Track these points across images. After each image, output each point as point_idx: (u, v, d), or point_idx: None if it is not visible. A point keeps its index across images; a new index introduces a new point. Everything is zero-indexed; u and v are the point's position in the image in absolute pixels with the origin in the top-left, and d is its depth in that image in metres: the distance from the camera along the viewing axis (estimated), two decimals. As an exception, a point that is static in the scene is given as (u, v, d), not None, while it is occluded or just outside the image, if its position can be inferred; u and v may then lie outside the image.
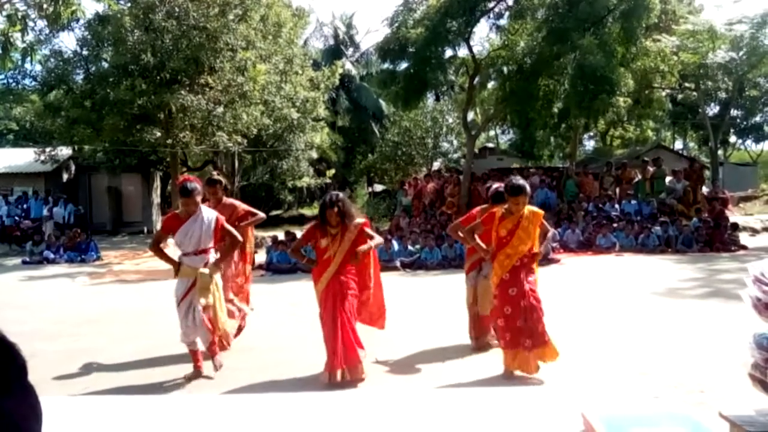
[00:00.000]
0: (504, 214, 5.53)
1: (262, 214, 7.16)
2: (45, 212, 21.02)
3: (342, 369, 5.28)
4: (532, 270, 5.55)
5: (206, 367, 5.74)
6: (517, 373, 5.44)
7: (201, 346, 5.74)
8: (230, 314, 6.56)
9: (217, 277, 5.78)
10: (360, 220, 5.72)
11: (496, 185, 6.51)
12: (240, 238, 6.05)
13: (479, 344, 6.44)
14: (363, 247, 5.58)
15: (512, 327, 5.38)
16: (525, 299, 5.36)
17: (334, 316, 5.38)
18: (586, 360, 5.93)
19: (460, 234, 6.29)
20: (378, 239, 5.90)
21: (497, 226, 5.52)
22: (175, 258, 5.73)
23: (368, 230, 5.73)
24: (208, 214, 5.74)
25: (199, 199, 5.68)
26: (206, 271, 5.59)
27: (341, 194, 5.69)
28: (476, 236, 5.84)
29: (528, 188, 5.52)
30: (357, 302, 5.69)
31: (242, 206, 7.01)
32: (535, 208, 5.65)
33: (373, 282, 5.94)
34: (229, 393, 5.13)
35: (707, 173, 26.32)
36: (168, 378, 5.71)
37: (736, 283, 9.67)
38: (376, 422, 2.68)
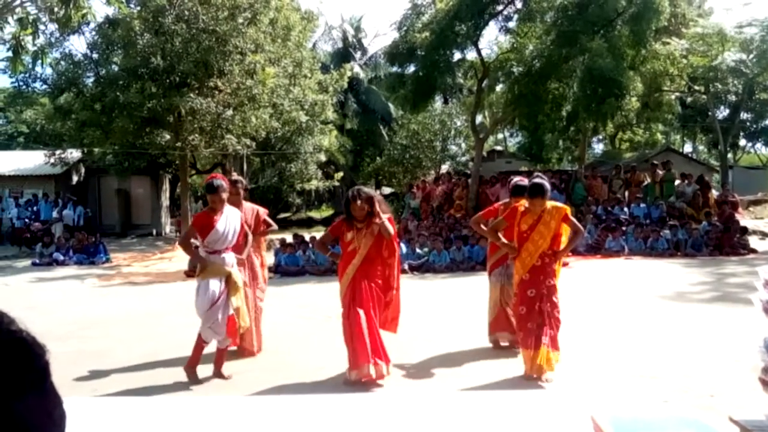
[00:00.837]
0: (526, 208, 5.53)
1: (274, 225, 7.24)
2: (54, 214, 21.15)
3: (371, 364, 5.18)
4: (553, 272, 5.50)
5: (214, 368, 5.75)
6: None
7: (218, 345, 5.76)
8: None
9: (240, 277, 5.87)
10: (386, 215, 5.70)
11: (517, 179, 6.55)
12: (251, 237, 6.18)
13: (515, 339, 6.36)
14: (385, 224, 5.48)
15: (524, 327, 5.39)
16: (542, 303, 5.35)
17: (366, 316, 5.30)
18: (596, 363, 5.91)
19: (482, 227, 6.28)
20: (392, 230, 5.69)
21: (519, 221, 5.51)
22: (183, 267, 5.80)
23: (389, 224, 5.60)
24: (234, 212, 5.87)
25: (225, 196, 5.76)
26: (236, 271, 5.73)
27: (363, 188, 5.71)
28: (500, 234, 5.83)
29: (547, 187, 5.50)
30: (381, 302, 5.59)
31: (262, 211, 7.03)
32: (559, 204, 5.64)
33: (396, 284, 5.86)
34: (238, 395, 5.13)
35: (716, 177, 26.23)
36: (177, 380, 5.72)
37: (746, 287, 9.60)
38: (386, 425, 2.69)
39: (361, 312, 5.30)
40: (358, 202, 5.41)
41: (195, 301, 5.64)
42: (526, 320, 5.38)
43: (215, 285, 5.58)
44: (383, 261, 5.65)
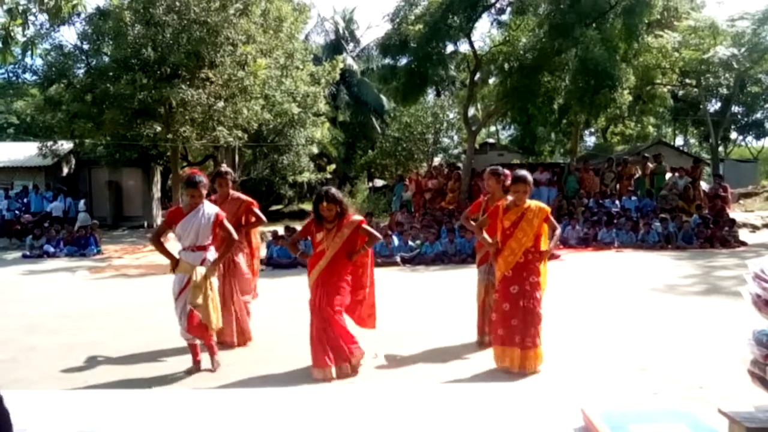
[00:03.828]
0: (508, 205, 5.55)
1: (264, 219, 7.15)
2: (81, 206, 21.62)
3: (333, 367, 5.29)
4: (537, 270, 5.50)
5: (206, 359, 5.75)
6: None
7: (199, 341, 5.74)
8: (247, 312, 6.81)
9: (213, 279, 5.73)
10: (358, 217, 5.72)
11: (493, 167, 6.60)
12: (236, 236, 5.96)
13: (487, 341, 6.37)
14: (359, 251, 5.63)
15: (507, 324, 5.40)
16: (525, 299, 5.37)
17: (320, 312, 5.36)
18: (586, 356, 5.94)
19: (471, 222, 6.29)
20: (376, 236, 5.84)
21: (501, 218, 5.53)
22: (175, 253, 5.73)
23: (366, 227, 5.68)
24: (209, 209, 5.72)
25: (204, 191, 5.70)
26: (202, 269, 5.56)
27: (332, 188, 5.69)
28: (483, 231, 5.85)
29: (530, 179, 5.58)
30: (350, 299, 5.63)
31: (248, 200, 6.97)
32: (542, 204, 5.66)
33: (369, 281, 5.89)
34: (228, 387, 5.14)
35: (707, 169, 26.34)
36: (168, 372, 5.72)
37: (735, 279, 9.68)
38: (376, 417, 2.69)
39: (321, 313, 5.36)
40: (325, 203, 5.40)
41: None
42: (510, 317, 5.39)
43: (178, 281, 5.61)
44: (357, 260, 5.67)
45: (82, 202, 22.04)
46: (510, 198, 5.65)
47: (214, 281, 5.78)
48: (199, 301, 5.48)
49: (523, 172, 5.62)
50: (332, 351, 5.32)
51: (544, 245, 5.58)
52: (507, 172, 6.22)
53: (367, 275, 5.84)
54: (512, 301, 5.40)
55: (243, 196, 6.99)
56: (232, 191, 6.91)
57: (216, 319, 5.64)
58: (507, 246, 5.48)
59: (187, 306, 5.54)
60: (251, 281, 6.96)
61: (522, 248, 5.44)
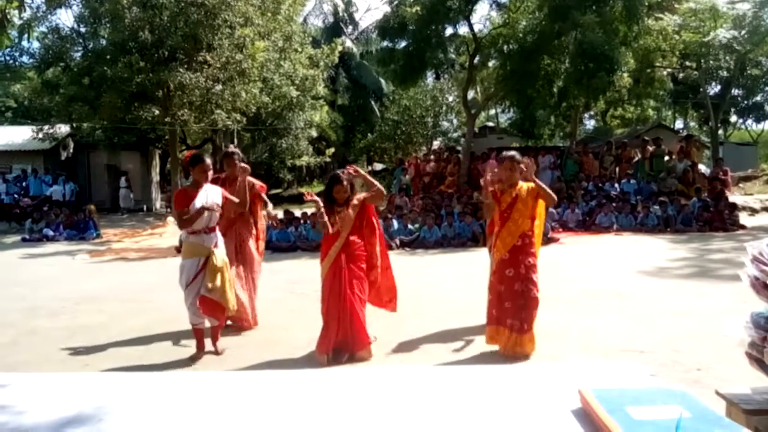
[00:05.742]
0: (503, 189, 5.57)
1: (270, 204, 7.17)
2: (123, 182, 22.36)
3: (351, 353, 5.37)
4: (533, 252, 5.52)
5: (207, 343, 5.76)
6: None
7: (207, 324, 5.73)
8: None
9: (223, 255, 5.74)
10: (363, 194, 5.73)
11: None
12: (238, 201, 6.02)
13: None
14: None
15: (500, 305, 5.43)
16: (520, 283, 5.38)
17: (341, 296, 5.37)
18: (584, 338, 5.96)
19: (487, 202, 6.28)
20: (379, 191, 5.74)
21: (499, 200, 5.56)
22: (174, 243, 5.71)
23: (367, 194, 5.71)
24: (213, 189, 5.76)
25: (209, 168, 5.69)
26: (220, 252, 5.61)
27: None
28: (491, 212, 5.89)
29: (518, 157, 5.60)
30: (364, 283, 5.62)
31: (259, 184, 6.97)
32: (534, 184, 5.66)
33: (380, 262, 5.86)
34: (229, 370, 5.15)
35: (707, 153, 26.29)
36: (168, 355, 5.75)
37: (732, 262, 9.69)
38: (373, 399, 2.71)
39: (342, 298, 5.36)
40: (343, 183, 5.47)
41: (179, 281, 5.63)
42: (504, 299, 5.42)
43: (192, 266, 5.51)
44: (365, 240, 5.69)
45: (123, 178, 22.22)
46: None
47: (227, 261, 5.79)
48: (218, 283, 5.49)
49: (511, 152, 5.68)
50: (346, 338, 5.36)
51: (537, 229, 5.63)
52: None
53: (376, 255, 5.80)
54: (507, 284, 5.43)
55: (254, 180, 6.99)
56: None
57: (233, 301, 5.71)
58: (505, 228, 5.51)
59: (200, 291, 5.48)
60: (259, 263, 7.00)
61: (519, 230, 5.46)
